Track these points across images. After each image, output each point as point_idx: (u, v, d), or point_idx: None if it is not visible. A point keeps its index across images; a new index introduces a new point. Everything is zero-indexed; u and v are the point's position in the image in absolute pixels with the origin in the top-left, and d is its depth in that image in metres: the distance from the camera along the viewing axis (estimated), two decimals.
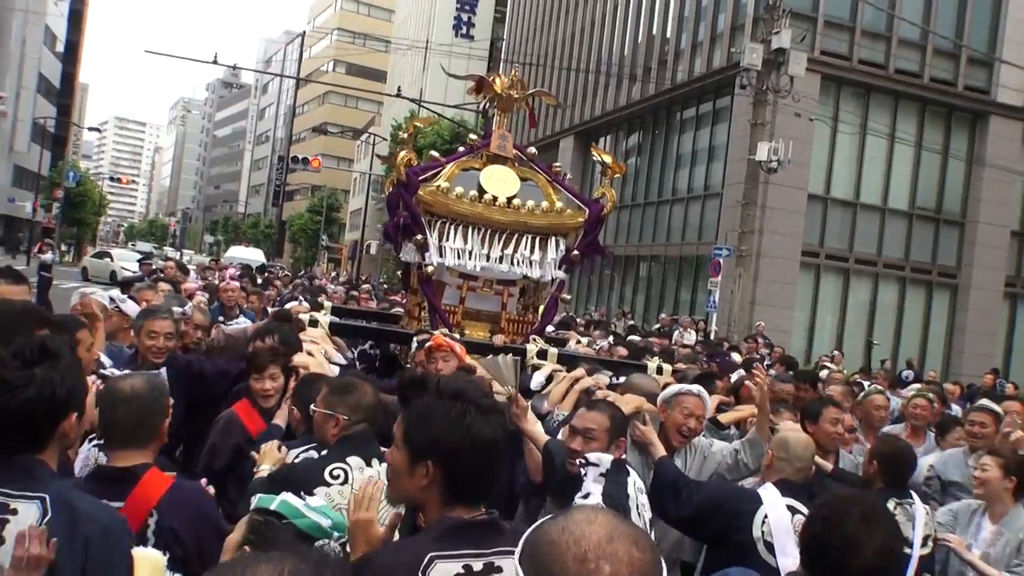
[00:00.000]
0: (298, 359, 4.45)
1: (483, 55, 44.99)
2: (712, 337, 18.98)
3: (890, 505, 4.14)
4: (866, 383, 8.80)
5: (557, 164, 7.28)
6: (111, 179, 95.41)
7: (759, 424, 4.64)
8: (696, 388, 4.56)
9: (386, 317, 8.45)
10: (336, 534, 2.41)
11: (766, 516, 3.64)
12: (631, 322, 23.77)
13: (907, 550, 4.05)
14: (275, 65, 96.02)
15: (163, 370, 4.35)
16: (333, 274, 46.01)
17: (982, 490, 4.59)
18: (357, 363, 6.78)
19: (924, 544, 4.17)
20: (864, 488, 4.48)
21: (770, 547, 3.59)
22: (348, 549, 2.42)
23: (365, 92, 59.17)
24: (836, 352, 17.38)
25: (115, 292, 5.39)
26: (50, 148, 60.94)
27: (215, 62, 27.42)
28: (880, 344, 17.48)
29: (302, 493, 2.57)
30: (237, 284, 9.24)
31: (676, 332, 19.65)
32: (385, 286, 27.42)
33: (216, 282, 11.43)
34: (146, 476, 2.69)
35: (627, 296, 29.91)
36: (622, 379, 5.27)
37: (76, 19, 68.22)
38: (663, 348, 9.96)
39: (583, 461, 3.53)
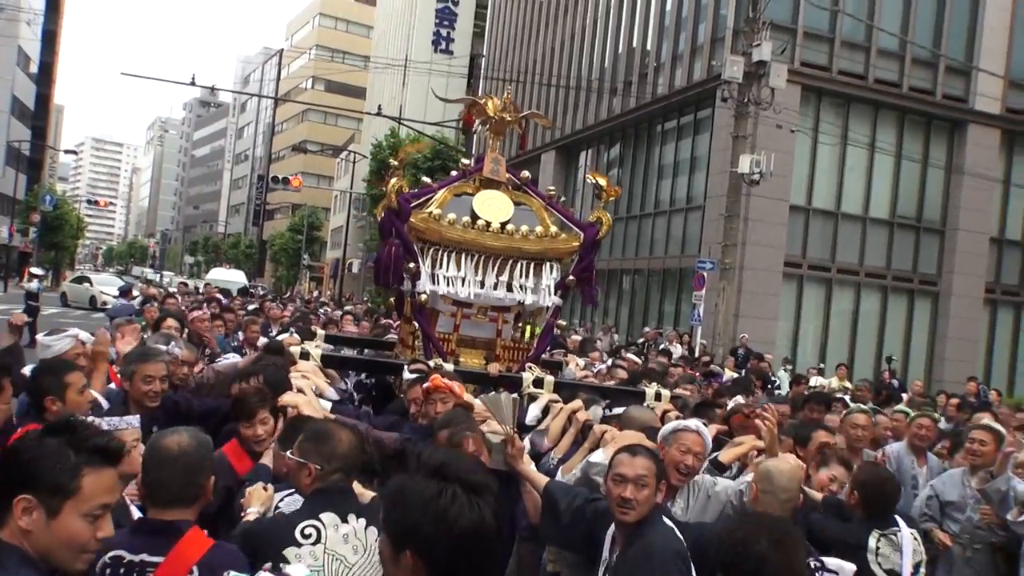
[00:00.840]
0: (286, 399, 4.27)
1: (463, 71, 44.96)
2: (697, 350, 18.99)
3: (872, 538, 4.04)
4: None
5: (551, 188, 7.22)
6: (89, 202, 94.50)
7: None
8: (694, 424, 4.40)
9: (380, 345, 8.32)
10: None
11: None
12: (616, 335, 23.78)
13: None
14: (253, 83, 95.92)
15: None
16: (315, 293, 45.75)
17: None
18: (354, 393, 6.67)
19: (915, 572, 4.04)
20: (848, 519, 4.33)
21: None
22: None
23: (344, 109, 58.99)
24: (841, 366, 16.70)
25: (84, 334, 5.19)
26: (25, 171, 60.20)
27: (192, 83, 26.91)
28: (896, 359, 17.30)
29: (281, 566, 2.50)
30: (207, 314, 8.99)
31: (662, 345, 19.65)
32: (368, 304, 27.23)
33: (183, 308, 11.26)
34: (189, 533, 2.64)
35: (611, 309, 29.82)
36: (617, 410, 5.14)
37: (50, 40, 67.42)
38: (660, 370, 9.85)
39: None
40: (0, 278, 46.45)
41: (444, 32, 50.35)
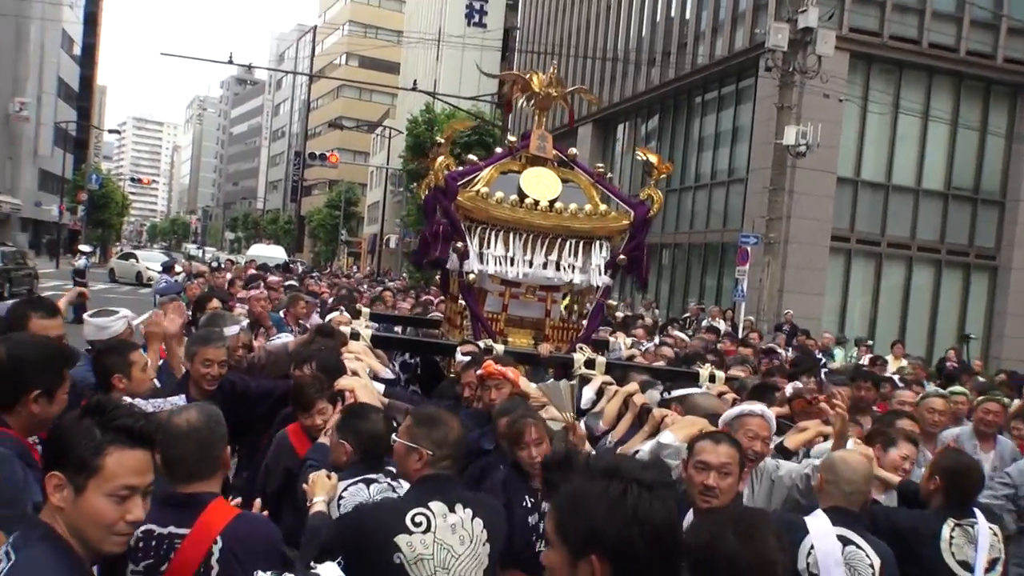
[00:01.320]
0: (342, 383, 4.21)
1: (497, 44, 44.48)
2: (741, 327, 18.65)
3: (946, 527, 3.82)
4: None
5: (600, 165, 6.99)
6: (132, 180, 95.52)
7: (835, 448, 4.30)
8: (759, 408, 4.20)
9: (424, 323, 8.19)
10: None
11: (812, 547, 3.32)
12: (657, 311, 23.49)
13: (965, 573, 3.75)
14: (288, 60, 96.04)
15: (181, 397, 4.17)
16: (354, 268, 45.89)
17: None
18: (402, 374, 6.55)
19: (991, 569, 3.81)
20: (923, 506, 4.11)
21: None
22: None
23: (379, 85, 58.87)
24: (897, 344, 15.85)
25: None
26: (72, 151, 61.34)
27: (230, 61, 27.06)
28: (976, 338, 16.37)
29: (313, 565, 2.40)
30: (263, 293, 8.91)
31: (705, 321, 19.34)
32: (407, 280, 27.20)
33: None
34: (212, 504, 2.71)
35: (651, 285, 29.35)
36: (676, 393, 4.92)
37: (91, 22, 68.44)
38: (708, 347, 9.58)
39: None
40: (52, 255, 47.25)
41: (477, 5, 49.81)
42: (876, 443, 4.54)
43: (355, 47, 75.06)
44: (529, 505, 3.81)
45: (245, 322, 5.76)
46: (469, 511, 2.98)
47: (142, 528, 2.51)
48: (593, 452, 4.05)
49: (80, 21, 64.75)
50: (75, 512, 2.02)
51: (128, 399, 3.83)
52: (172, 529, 2.62)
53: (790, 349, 13.53)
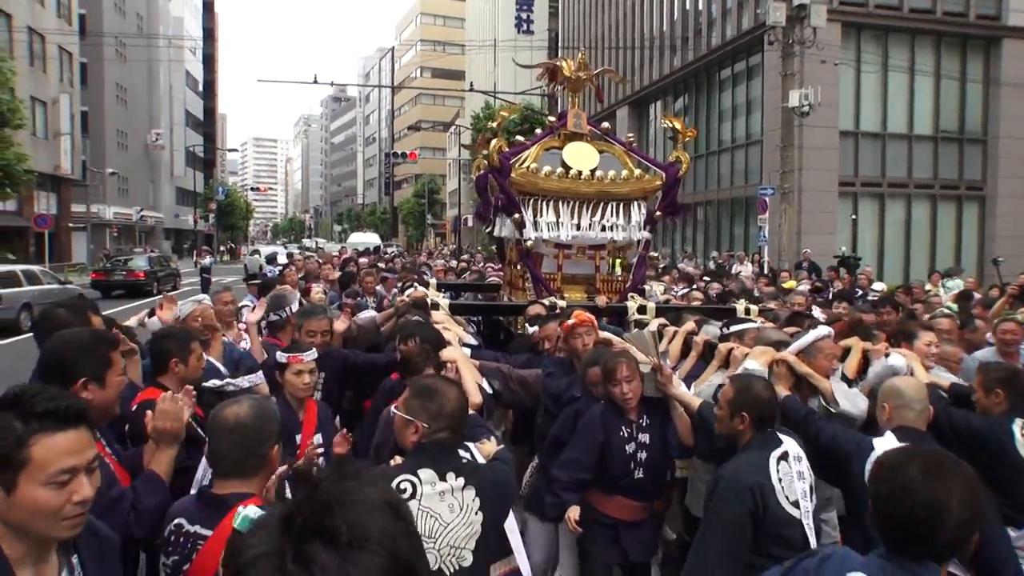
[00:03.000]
0: (446, 354, 3.85)
1: (543, 46, 43.81)
2: (766, 267, 18.15)
3: (1016, 426, 3.50)
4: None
5: (630, 135, 6.68)
6: (252, 189, 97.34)
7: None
8: (827, 330, 3.89)
9: (484, 287, 7.96)
10: None
11: None
12: (696, 260, 23.00)
13: None
14: (373, 77, 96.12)
15: (258, 374, 3.87)
16: (441, 246, 46.06)
17: None
18: None
19: None
20: (972, 407, 3.77)
21: None
22: None
23: (448, 91, 58.53)
24: (936, 273, 14.77)
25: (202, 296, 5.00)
26: (201, 170, 62.86)
27: (315, 81, 26.69)
28: (1004, 260, 15.28)
29: None
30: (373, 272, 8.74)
31: (734, 265, 18.87)
32: (481, 252, 27.08)
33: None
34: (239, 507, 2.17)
35: (688, 237, 28.96)
36: (735, 328, 4.56)
37: (209, 62, 69.53)
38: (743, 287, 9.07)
39: None
40: (189, 256, 48.64)
41: (524, 15, 48.89)
42: (901, 342, 4.30)
43: (427, 61, 74.76)
44: (626, 435, 3.61)
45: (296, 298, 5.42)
46: (461, 479, 2.49)
47: (175, 521, 2.21)
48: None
49: (200, 60, 65.95)
50: (12, 509, 1.60)
51: (217, 382, 3.60)
52: (198, 528, 2.18)
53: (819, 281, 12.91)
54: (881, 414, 3.30)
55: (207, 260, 22.67)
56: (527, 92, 30.81)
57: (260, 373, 3.80)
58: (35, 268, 18.26)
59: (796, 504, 2.88)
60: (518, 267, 6.15)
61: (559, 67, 6.19)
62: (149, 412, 2.46)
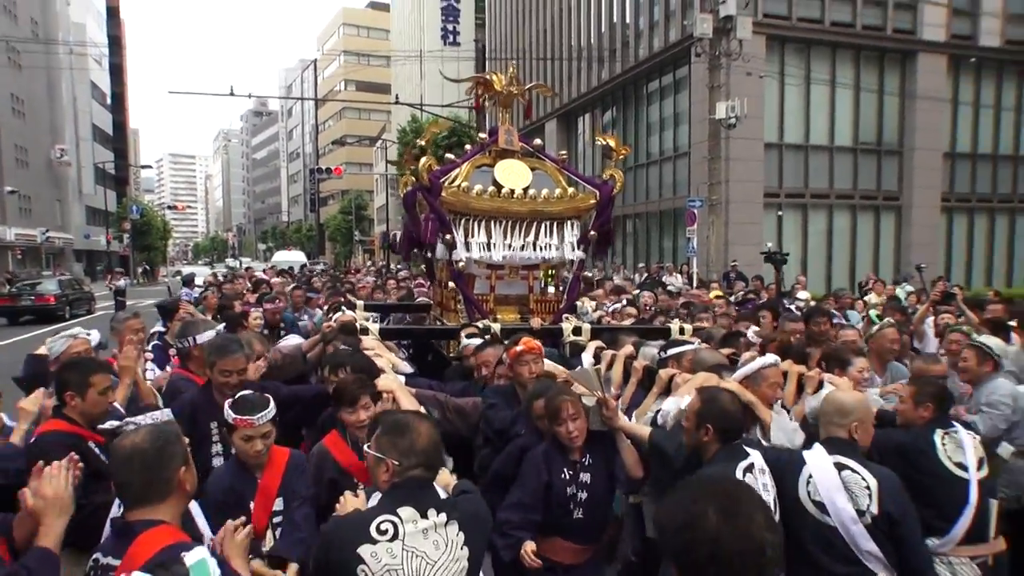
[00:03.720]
0: (383, 383, 3.71)
1: (470, 57, 43.86)
2: (694, 278, 18.46)
3: (936, 436, 3.65)
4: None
5: (563, 152, 6.61)
6: (169, 207, 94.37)
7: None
8: (772, 359, 3.89)
9: (414, 308, 7.77)
10: None
11: (810, 476, 3.08)
12: (625, 272, 23.22)
13: (963, 473, 3.57)
14: (295, 90, 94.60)
15: (165, 411, 3.47)
16: (369, 263, 45.46)
17: None
18: None
19: (980, 467, 3.62)
20: (902, 427, 3.88)
21: (821, 507, 3.03)
22: None
23: (374, 104, 58.05)
24: (878, 282, 14.86)
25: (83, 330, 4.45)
26: (113, 188, 60.37)
27: (232, 94, 25.91)
28: (927, 266, 15.84)
29: None
30: (282, 304, 8.31)
31: (663, 276, 19.13)
32: (403, 272, 26.73)
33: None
34: (145, 533, 2.07)
35: (619, 250, 29.22)
36: (672, 351, 4.51)
37: (117, 72, 66.62)
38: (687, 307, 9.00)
39: None
40: (101, 279, 46.67)
41: (450, 26, 49.07)
42: (834, 368, 4.32)
43: (351, 73, 74.00)
44: (567, 477, 3.51)
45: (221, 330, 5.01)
46: (443, 515, 2.41)
47: (93, 556, 2.17)
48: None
49: (106, 71, 63.18)
50: None
51: (114, 423, 3.34)
52: (110, 560, 2.13)
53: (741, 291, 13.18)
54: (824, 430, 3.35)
55: (121, 282, 21.75)
56: (454, 105, 30.70)
57: (168, 410, 3.51)
58: None
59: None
60: (449, 288, 6.00)
61: (489, 81, 6.09)
62: (26, 491, 2.24)
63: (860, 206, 24.19)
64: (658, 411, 3.79)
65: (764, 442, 3.54)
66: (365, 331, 5.15)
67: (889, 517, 3.02)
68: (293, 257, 42.39)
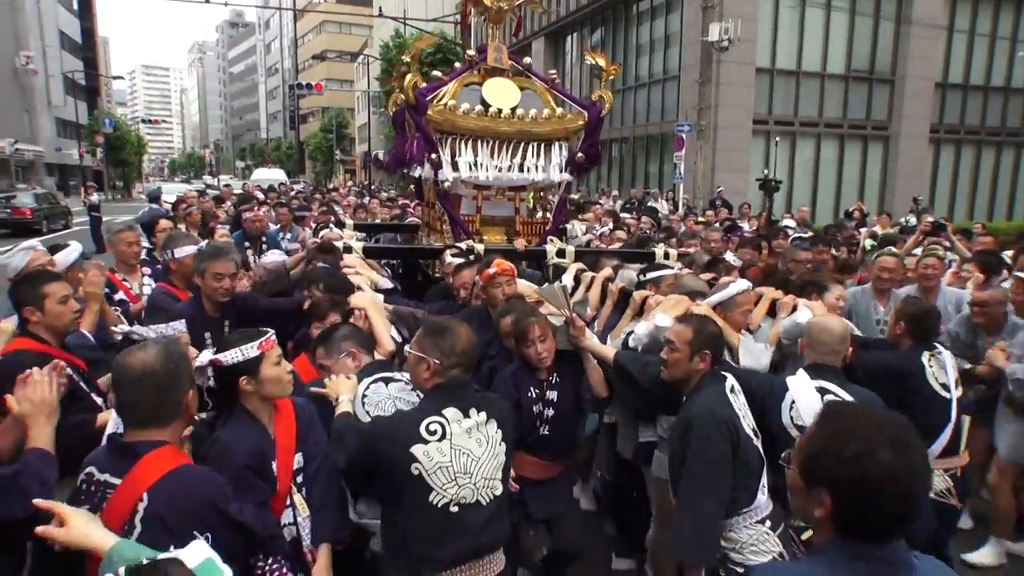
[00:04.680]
0: (355, 300, 3.80)
1: None
2: (680, 204, 18.48)
3: (924, 359, 3.85)
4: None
5: (552, 71, 6.52)
6: (144, 121, 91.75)
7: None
8: (746, 284, 3.97)
9: (403, 228, 7.77)
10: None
11: (793, 402, 3.22)
12: (615, 194, 23.16)
13: (946, 393, 3.82)
14: (273, 1, 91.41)
15: (181, 322, 3.58)
16: (350, 183, 44.90)
17: None
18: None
19: (957, 386, 3.88)
20: (892, 348, 4.03)
21: (802, 431, 3.11)
22: None
23: (356, 17, 56.21)
24: (884, 215, 13.93)
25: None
26: (84, 99, 58.37)
27: (206, 0, 24.97)
28: (923, 197, 15.83)
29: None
30: (262, 211, 8.29)
31: (648, 202, 19.11)
32: (393, 192, 26.49)
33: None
34: (151, 454, 2.07)
35: (603, 175, 29.05)
36: (652, 275, 4.57)
37: None
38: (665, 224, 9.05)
39: None
40: (77, 194, 45.78)
41: None
42: (811, 293, 4.40)
43: None
44: (534, 396, 3.60)
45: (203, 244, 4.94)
46: (483, 414, 2.63)
47: (86, 469, 2.14)
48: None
49: None
50: None
51: (125, 327, 3.35)
52: (107, 477, 2.09)
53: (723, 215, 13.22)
54: (799, 350, 3.52)
55: (95, 197, 21.28)
56: (440, 19, 29.96)
57: (182, 322, 3.48)
58: None
59: (754, 431, 3.06)
60: (436, 208, 5.99)
61: None
62: (9, 397, 2.24)
63: (848, 135, 24.11)
64: (630, 333, 3.87)
65: (733, 364, 3.66)
66: (349, 249, 5.18)
67: None
68: (273, 175, 41.72)
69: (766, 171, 18.53)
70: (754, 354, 3.80)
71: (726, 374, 3.20)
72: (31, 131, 48.13)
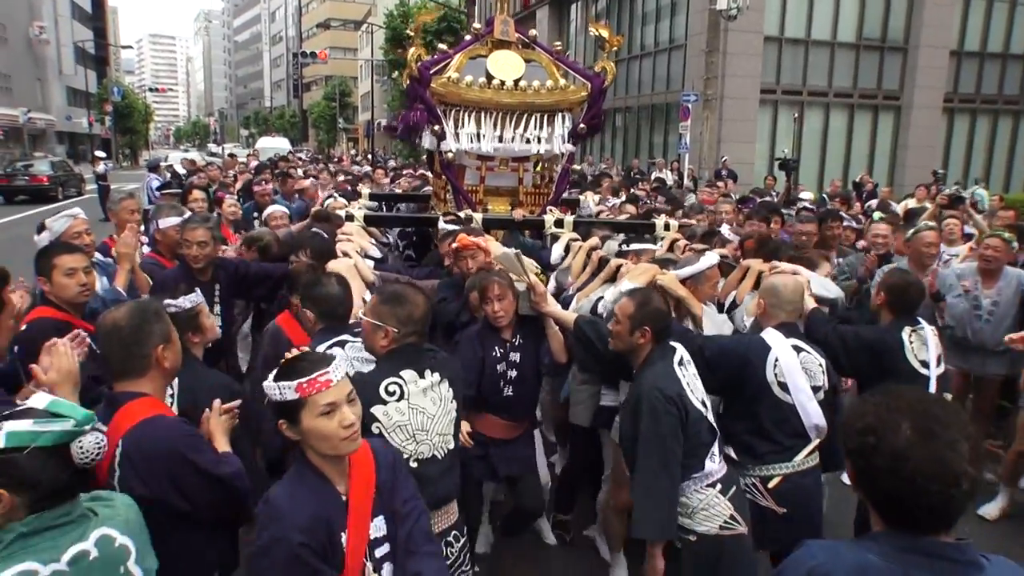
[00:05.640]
0: (332, 266, 3.93)
1: None
2: (685, 175, 18.44)
3: (905, 335, 3.79)
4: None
5: (557, 43, 6.54)
6: (151, 90, 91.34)
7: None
8: (715, 258, 4.01)
9: (417, 198, 7.89)
10: (89, 424, 1.79)
11: (777, 359, 3.30)
12: (613, 170, 23.07)
13: (925, 371, 3.75)
14: None
15: (197, 292, 3.66)
16: (352, 152, 44.78)
17: None
18: (399, 242, 6.35)
19: (939, 364, 3.83)
20: (870, 321, 4.12)
21: (784, 387, 3.29)
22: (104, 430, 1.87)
23: None
24: (921, 187, 13.09)
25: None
26: (94, 68, 58.36)
27: None
28: (945, 171, 15.41)
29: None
30: (269, 186, 8.39)
31: (653, 173, 19.07)
32: (397, 159, 26.48)
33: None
34: (128, 405, 2.24)
35: (607, 145, 28.89)
36: (634, 246, 4.63)
37: None
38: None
39: None
40: (88, 161, 45.86)
41: None
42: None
43: None
44: (498, 355, 3.71)
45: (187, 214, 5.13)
46: (437, 375, 2.77)
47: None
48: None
49: None
50: None
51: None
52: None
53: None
54: (757, 308, 3.59)
55: (101, 167, 21.30)
56: None
57: (198, 292, 3.65)
58: None
59: (703, 403, 3.09)
60: (443, 179, 6.08)
61: None
62: (36, 368, 2.34)
63: (858, 105, 23.69)
64: (599, 299, 3.97)
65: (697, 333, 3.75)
66: (351, 217, 5.31)
67: (833, 388, 3.45)
68: (277, 144, 41.72)
69: (785, 151, 18.38)
70: (717, 325, 3.91)
71: (675, 345, 3.19)
72: (43, 100, 48.22)
